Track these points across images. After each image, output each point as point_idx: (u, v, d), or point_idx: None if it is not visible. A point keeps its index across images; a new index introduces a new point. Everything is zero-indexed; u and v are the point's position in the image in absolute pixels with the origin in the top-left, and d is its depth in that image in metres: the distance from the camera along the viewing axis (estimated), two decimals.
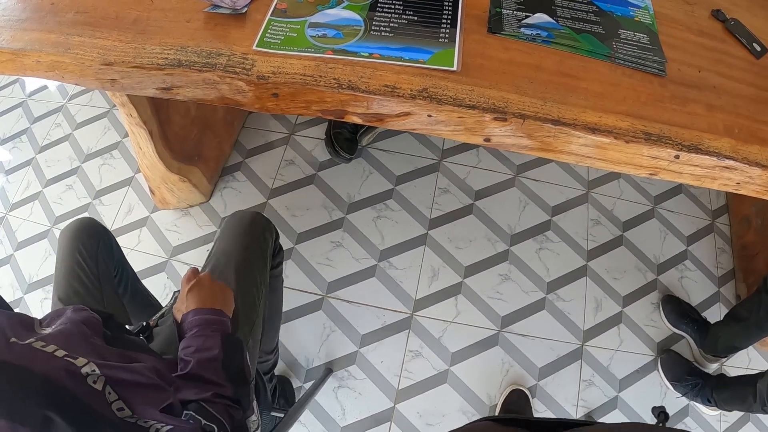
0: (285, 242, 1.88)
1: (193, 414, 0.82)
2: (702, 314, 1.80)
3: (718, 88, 1.13)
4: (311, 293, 1.80)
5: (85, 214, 1.99)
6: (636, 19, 1.22)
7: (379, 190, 2.01)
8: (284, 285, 1.72)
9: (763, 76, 1.19)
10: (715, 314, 1.84)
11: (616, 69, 1.11)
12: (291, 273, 1.83)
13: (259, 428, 0.99)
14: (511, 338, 1.75)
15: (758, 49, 1.23)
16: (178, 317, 1.00)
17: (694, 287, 1.90)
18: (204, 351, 0.90)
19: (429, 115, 1.00)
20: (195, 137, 1.83)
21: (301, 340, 1.73)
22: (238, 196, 1.99)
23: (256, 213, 1.27)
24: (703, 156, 1.02)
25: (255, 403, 1.00)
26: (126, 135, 2.16)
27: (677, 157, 1.03)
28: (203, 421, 0.81)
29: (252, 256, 1.18)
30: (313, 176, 2.04)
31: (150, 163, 1.73)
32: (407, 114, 1.01)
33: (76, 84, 1.23)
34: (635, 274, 1.90)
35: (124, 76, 1.12)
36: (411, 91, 0.99)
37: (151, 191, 1.91)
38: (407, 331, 1.75)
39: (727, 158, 1.02)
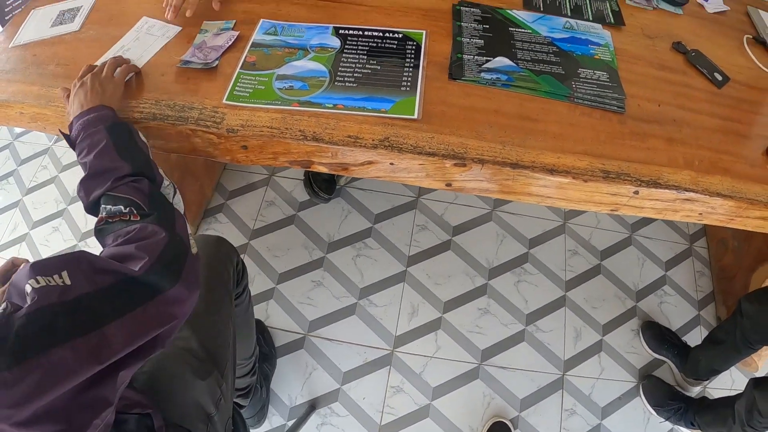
0: (266, 282, 1.90)
1: (103, 206, 0.84)
2: (682, 338, 1.81)
3: (679, 121, 1.17)
4: (293, 332, 1.81)
5: None
6: (596, 57, 1.26)
7: (357, 229, 2.03)
8: (266, 325, 1.75)
9: (723, 105, 1.23)
10: (696, 337, 1.86)
11: (575, 109, 1.14)
12: (273, 312, 1.85)
13: (177, 191, 0.98)
14: (491, 371, 1.77)
15: (719, 78, 1.27)
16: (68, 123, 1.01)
17: (674, 312, 1.92)
18: (94, 147, 0.91)
19: (391, 163, 1.04)
20: (176, 181, 1.84)
21: (283, 378, 1.74)
22: None
23: (215, 242, 1.28)
24: (663, 190, 1.05)
25: (161, 170, 0.98)
26: None
27: (636, 192, 1.06)
28: (112, 207, 0.83)
29: (216, 298, 1.18)
30: (294, 216, 2.07)
31: None
32: (370, 163, 1.05)
33: (58, 135, 1.27)
34: (614, 302, 1.93)
35: None
36: (373, 140, 1.03)
37: None
38: (388, 367, 1.77)
39: (687, 191, 1.06)
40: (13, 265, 0.95)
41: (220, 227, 2.04)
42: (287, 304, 1.86)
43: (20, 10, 2.25)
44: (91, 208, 0.89)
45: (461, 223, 2.07)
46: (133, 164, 0.89)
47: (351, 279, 1.91)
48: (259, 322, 1.69)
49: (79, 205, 2.10)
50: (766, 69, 1.34)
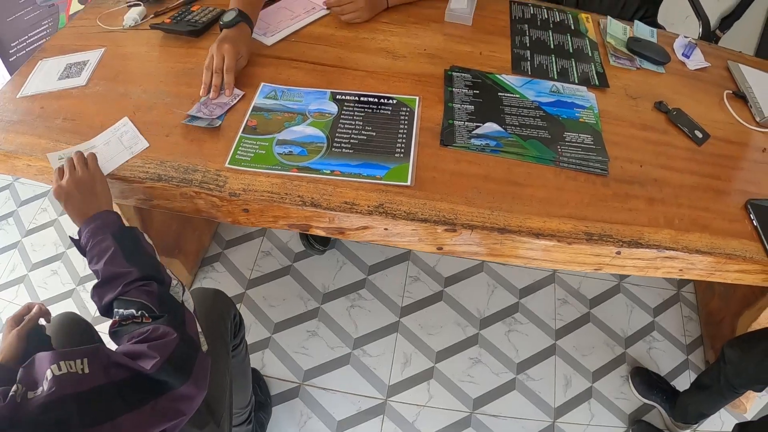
0: (262, 332, 1.93)
1: (116, 310, 0.87)
2: (671, 383, 1.84)
3: (660, 181, 1.22)
4: (288, 381, 1.83)
5: (69, 301, 2.02)
6: (581, 120, 1.32)
7: (352, 280, 2.07)
8: (262, 374, 1.78)
9: (703, 162, 1.28)
10: (685, 381, 1.88)
11: (561, 173, 1.20)
12: (268, 362, 1.87)
13: (185, 290, 1.00)
14: (483, 419, 1.79)
15: (700, 136, 1.33)
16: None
17: (663, 357, 1.95)
18: (102, 254, 0.94)
19: (385, 229, 1.09)
20: (175, 231, 1.91)
21: (279, 427, 1.75)
22: (216, 287, 1.95)
23: (213, 295, 1.33)
24: (644, 249, 1.10)
25: (169, 271, 1.01)
26: None
27: (619, 253, 1.11)
28: (124, 311, 0.86)
29: (214, 350, 1.21)
30: (289, 267, 2.10)
31: None
32: (366, 228, 1.10)
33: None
34: (603, 349, 1.95)
35: (109, 185, 1.18)
36: (368, 207, 1.08)
37: None
38: (382, 416, 1.78)
39: (667, 249, 1.10)
40: (28, 309, 1.03)
41: (218, 276, 2.08)
42: (283, 354, 1.88)
43: (24, 53, 2.34)
44: (105, 312, 0.93)
45: (453, 274, 2.11)
46: (141, 269, 0.93)
47: (345, 329, 1.94)
48: (254, 371, 1.72)
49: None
50: (744, 123, 1.41)
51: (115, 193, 1.22)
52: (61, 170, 1.07)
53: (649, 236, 1.11)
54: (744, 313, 1.69)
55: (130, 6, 1.66)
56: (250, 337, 1.88)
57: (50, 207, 2.35)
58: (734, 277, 1.17)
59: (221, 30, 1.39)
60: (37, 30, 2.43)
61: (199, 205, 1.16)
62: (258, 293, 2.03)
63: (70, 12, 2.53)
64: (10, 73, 2.34)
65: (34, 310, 1.04)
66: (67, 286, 2.09)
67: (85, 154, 1.11)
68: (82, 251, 1.00)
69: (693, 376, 1.88)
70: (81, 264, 2.14)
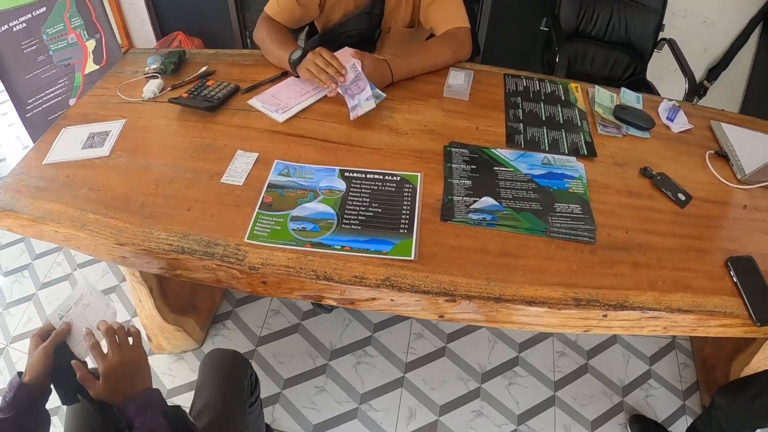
0: (272, 387, 1.99)
1: None
2: (668, 429, 1.88)
3: (644, 246, 1.29)
4: None
5: None
6: (570, 190, 1.40)
7: (358, 337, 2.15)
8: (272, 428, 1.83)
9: (685, 224, 1.36)
10: (682, 427, 1.92)
11: (552, 243, 1.28)
12: (278, 416, 1.93)
13: None
14: None
15: (683, 198, 1.40)
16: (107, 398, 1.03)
17: (660, 404, 1.99)
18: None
19: (392, 300, 1.18)
20: (189, 291, 1.99)
21: None
22: (228, 344, 2.12)
23: (231, 356, 1.41)
24: (629, 311, 1.17)
25: None
26: (124, 279, 2.29)
27: (605, 316, 1.18)
28: None
29: (232, 410, 1.30)
30: (298, 325, 2.18)
31: (149, 314, 1.87)
32: (374, 299, 1.18)
33: (90, 255, 1.38)
34: (602, 398, 2.01)
35: (134, 255, 1.28)
36: (376, 280, 1.17)
37: (148, 337, 2.03)
38: None
39: (651, 310, 1.18)
40: (52, 325, 1.09)
41: (229, 333, 2.15)
42: (292, 408, 1.94)
43: (41, 109, 2.44)
44: None
45: (455, 331, 2.18)
46: None
47: (352, 385, 2.01)
48: (266, 426, 1.78)
49: None
50: (726, 182, 1.48)
51: (139, 263, 1.31)
52: (97, 346, 1.06)
53: (634, 299, 1.18)
54: (736, 358, 1.73)
55: (149, 78, 1.77)
56: (262, 393, 1.93)
57: (65, 261, 2.43)
58: (716, 332, 1.23)
59: (294, 66, 1.66)
60: (54, 88, 2.54)
61: (220, 276, 1.24)
62: (268, 350, 2.10)
63: (86, 71, 2.64)
64: (27, 129, 2.46)
65: (60, 326, 1.08)
66: None
67: (127, 328, 1.11)
68: (128, 423, 1.02)
69: (690, 422, 1.92)
70: None
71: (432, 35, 1.91)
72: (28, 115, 2.50)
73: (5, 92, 2.41)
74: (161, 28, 3.66)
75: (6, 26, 2.28)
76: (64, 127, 1.58)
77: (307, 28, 2.20)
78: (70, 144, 1.52)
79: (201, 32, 3.51)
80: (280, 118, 1.59)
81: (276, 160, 1.44)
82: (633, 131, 1.62)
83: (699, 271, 1.26)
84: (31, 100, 2.50)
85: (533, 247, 1.27)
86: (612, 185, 1.44)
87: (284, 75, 1.77)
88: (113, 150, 1.49)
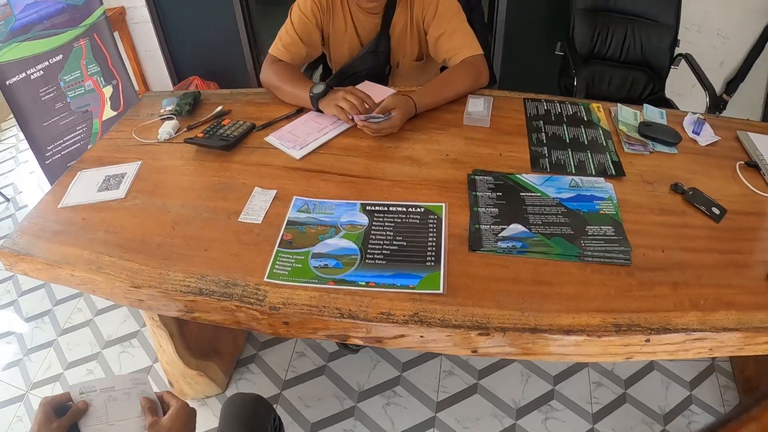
0: None
1: None
2: None
3: (682, 264, 1.23)
4: None
5: None
6: (601, 212, 1.35)
7: (386, 377, 2.08)
8: None
9: (722, 239, 1.30)
10: None
11: (586, 267, 1.22)
12: None
13: None
14: None
15: (717, 212, 1.34)
16: None
17: None
18: None
19: (421, 336, 1.12)
20: (211, 334, 1.95)
21: None
22: (252, 388, 2.07)
23: (253, 400, 1.35)
24: (672, 334, 1.10)
25: None
26: (144, 324, 2.27)
27: (648, 340, 1.11)
28: None
29: None
30: (324, 367, 2.13)
31: (170, 359, 1.83)
32: (402, 336, 1.13)
33: (107, 299, 1.35)
34: (642, 428, 1.92)
35: (151, 298, 1.24)
36: (404, 316, 1.12)
37: (170, 383, 1.99)
38: None
39: (695, 331, 1.11)
40: (69, 398, 1.03)
41: (253, 377, 2.10)
42: None
43: (59, 156, 2.46)
44: None
45: (486, 366, 2.11)
46: None
47: (382, 427, 1.94)
48: None
49: (114, 350, 2.19)
50: (759, 192, 1.43)
51: (156, 306, 1.27)
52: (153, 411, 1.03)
53: (677, 320, 1.12)
54: None
55: (164, 119, 1.77)
56: None
57: (85, 307, 2.44)
58: (764, 349, 1.16)
59: (316, 101, 1.68)
60: (72, 135, 2.57)
61: (240, 318, 1.20)
62: (294, 393, 2.05)
63: (104, 118, 2.67)
64: (47, 175, 2.48)
65: (78, 404, 1.02)
66: None
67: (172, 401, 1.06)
68: None
69: None
70: (116, 365, 2.18)
71: (445, 67, 1.92)
72: (47, 162, 2.53)
73: (25, 140, 2.44)
74: (177, 73, 3.72)
75: (24, 74, 2.32)
76: (80, 171, 1.59)
77: (321, 69, 2.26)
78: (85, 187, 1.53)
79: (217, 76, 3.57)
80: (298, 154, 1.57)
81: (295, 197, 1.41)
82: (660, 147, 1.59)
83: (741, 286, 1.19)
84: (50, 147, 2.53)
85: (567, 273, 1.21)
86: (643, 204, 1.39)
87: (300, 111, 1.77)
88: (129, 192, 1.49)
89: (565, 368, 2.10)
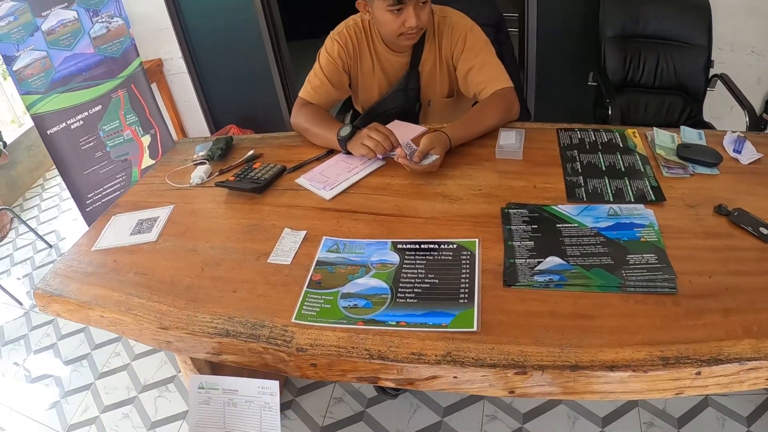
0: None
1: None
2: None
3: (732, 289, 1.15)
4: None
5: None
6: (642, 239, 1.29)
7: (427, 423, 2.02)
8: None
9: None
10: None
11: (629, 298, 1.16)
12: None
13: None
14: None
15: (765, 232, 1.27)
16: None
17: None
18: None
19: (455, 377, 1.07)
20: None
21: None
22: None
23: None
24: (725, 365, 1.02)
25: None
26: (181, 370, 2.27)
27: (698, 373, 1.03)
28: None
29: None
30: (362, 413, 2.08)
31: None
32: (435, 377, 1.08)
33: (135, 340, 1.35)
34: None
35: (178, 340, 1.24)
36: (436, 356, 1.07)
37: None
38: None
39: (749, 360, 1.02)
40: None
41: (290, 424, 2.07)
42: None
43: (100, 203, 2.51)
44: None
45: (531, 409, 2.03)
46: None
47: None
48: None
49: (150, 394, 2.19)
50: None
51: (184, 348, 1.26)
52: None
53: (729, 350, 1.04)
54: None
55: (197, 164, 1.80)
56: None
57: (123, 352, 2.47)
58: None
59: (344, 143, 1.68)
60: (112, 183, 2.64)
61: (267, 360, 1.18)
62: None
63: (142, 166, 2.74)
64: (87, 223, 2.54)
65: None
66: (138, 430, 2.14)
67: None
68: None
69: None
70: (152, 409, 2.18)
71: (476, 102, 1.89)
72: (87, 209, 2.60)
73: (67, 190, 2.51)
74: (215, 122, 3.81)
75: (64, 124, 2.41)
76: (114, 215, 1.63)
77: (351, 111, 2.27)
78: (119, 231, 1.56)
79: (253, 123, 3.64)
80: (328, 195, 1.56)
81: (324, 237, 1.40)
82: (700, 169, 1.53)
83: None
84: (90, 195, 2.60)
85: (609, 305, 1.15)
86: (687, 228, 1.33)
87: (330, 153, 1.77)
88: (160, 235, 1.51)
89: (613, 409, 2.00)
